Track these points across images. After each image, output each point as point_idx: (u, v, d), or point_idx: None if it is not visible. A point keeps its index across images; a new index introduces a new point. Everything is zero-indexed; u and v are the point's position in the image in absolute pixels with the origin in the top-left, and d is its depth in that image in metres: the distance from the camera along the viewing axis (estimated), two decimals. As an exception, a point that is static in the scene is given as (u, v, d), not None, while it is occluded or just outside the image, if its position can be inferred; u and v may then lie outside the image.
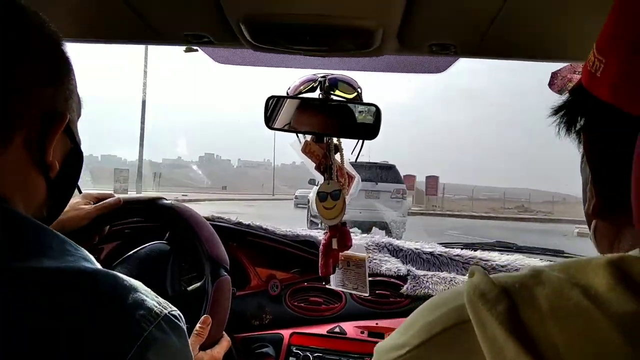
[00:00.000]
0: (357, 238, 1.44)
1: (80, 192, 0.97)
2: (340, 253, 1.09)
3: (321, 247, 1.08)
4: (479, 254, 1.35)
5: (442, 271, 1.30)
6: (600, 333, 0.28)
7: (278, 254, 1.31)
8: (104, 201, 0.98)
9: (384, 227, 10.00)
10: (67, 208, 0.87)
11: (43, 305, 0.43)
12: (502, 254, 1.38)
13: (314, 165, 1.08)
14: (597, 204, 0.40)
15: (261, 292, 1.26)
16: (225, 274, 0.98)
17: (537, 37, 0.74)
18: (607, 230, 0.42)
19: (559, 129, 0.44)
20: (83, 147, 0.60)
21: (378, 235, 1.45)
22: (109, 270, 0.49)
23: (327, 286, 1.18)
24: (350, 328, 1.15)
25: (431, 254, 1.35)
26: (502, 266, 1.30)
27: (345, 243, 1.07)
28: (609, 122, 0.37)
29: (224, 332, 0.98)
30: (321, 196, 1.05)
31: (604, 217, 0.41)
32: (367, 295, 1.12)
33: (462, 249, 1.42)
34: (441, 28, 0.75)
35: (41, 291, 0.44)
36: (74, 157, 0.59)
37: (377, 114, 0.94)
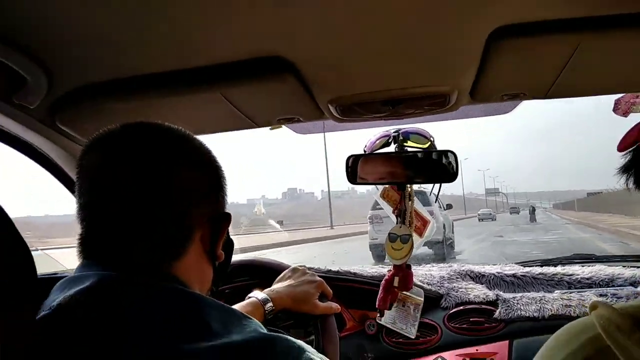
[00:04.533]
0: (436, 268, 1.51)
1: None
2: (399, 292, 1.19)
3: (383, 281, 1.17)
4: (560, 269, 1.39)
5: (528, 291, 1.34)
6: None
7: (369, 295, 1.39)
8: (330, 305, 1.11)
9: (428, 244, 11.08)
10: (302, 288, 1.08)
11: None
12: (582, 266, 1.41)
13: (391, 209, 1.18)
14: None
15: (358, 333, 1.33)
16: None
17: (601, 76, 0.81)
18: None
19: (627, 184, 0.51)
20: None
21: (456, 265, 1.51)
22: (280, 334, 0.58)
23: (378, 321, 1.26)
24: (452, 357, 1.20)
25: (514, 275, 1.39)
26: (587, 279, 1.33)
27: (407, 285, 1.17)
28: None
29: None
30: (391, 237, 1.15)
31: None
32: (412, 337, 1.21)
33: (541, 266, 1.45)
34: (512, 81, 0.82)
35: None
36: (229, 246, 0.72)
37: (455, 158, 1.03)
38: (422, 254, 11.26)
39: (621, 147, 0.53)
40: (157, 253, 0.58)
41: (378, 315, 1.27)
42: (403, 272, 1.16)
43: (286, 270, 1.18)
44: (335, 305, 1.14)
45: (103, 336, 0.50)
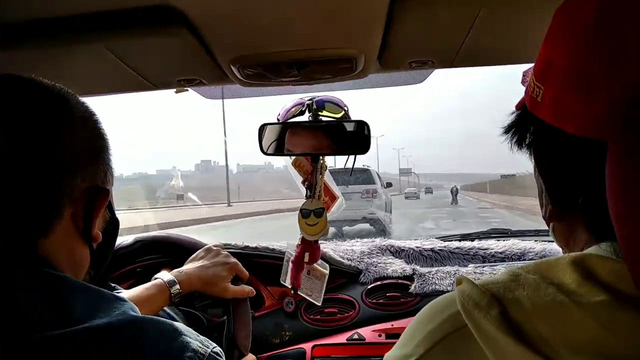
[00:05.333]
0: (359, 243, 1.50)
1: None
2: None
3: (293, 259, 1.14)
4: (476, 243, 1.41)
5: (444, 265, 1.36)
6: (578, 321, 0.34)
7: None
8: (242, 288, 1.08)
9: (370, 222, 11.74)
10: (213, 270, 1.03)
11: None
12: (498, 240, 1.45)
13: (301, 179, 1.14)
14: (553, 210, 0.45)
15: (277, 311, 1.30)
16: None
17: (506, 44, 0.80)
18: (563, 230, 0.47)
19: (510, 144, 0.49)
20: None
21: (379, 239, 1.50)
22: (153, 317, 0.53)
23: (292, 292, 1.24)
24: (368, 333, 1.20)
25: (432, 250, 1.40)
26: (501, 252, 1.37)
27: (315, 258, 1.14)
28: (554, 139, 0.42)
29: (249, 353, 1.02)
30: (304, 213, 1.11)
31: (560, 220, 0.46)
32: (319, 304, 1.19)
33: (459, 240, 1.48)
34: (418, 46, 0.80)
35: (93, 348, 0.47)
36: (112, 226, 0.63)
37: (367, 129, 1.00)
38: (365, 229, 11.72)
39: (517, 107, 0.52)
40: (20, 230, 0.51)
41: (292, 291, 1.24)
42: (312, 246, 1.13)
43: (200, 250, 1.12)
44: (248, 289, 1.10)
45: None
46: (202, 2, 0.67)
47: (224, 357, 0.56)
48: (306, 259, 1.10)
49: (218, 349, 0.55)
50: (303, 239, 1.11)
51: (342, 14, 0.72)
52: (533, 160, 0.48)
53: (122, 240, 1.26)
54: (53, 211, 0.52)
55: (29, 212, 0.51)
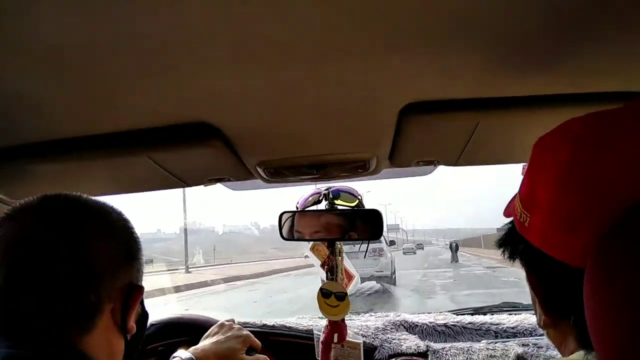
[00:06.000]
0: (373, 318, 1.54)
1: None
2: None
3: (322, 339, 1.18)
4: (488, 318, 1.45)
5: (457, 341, 1.39)
6: None
7: (304, 349, 1.39)
8: (257, 358, 1.12)
9: (378, 279, 12.67)
10: (227, 344, 1.08)
11: None
12: (510, 314, 1.48)
13: (319, 262, 1.21)
14: (546, 319, 0.52)
15: None
16: None
17: (503, 148, 0.90)
18: (556, 335, 0.54)
19: (504, 255, 0.56)
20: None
21: (392, 313, 1.54)
22: None
23: None
24: (384, 412, 1.22)
25: (445, 325, 1.44)
26: (512, 327, 1.40)
27: (343, 337, 1.19)
28: (543, 261, 0.46)
29: None
30: (324, 293, 1.17)
31: (553, 327, 0.53)
32: None
33: (472, 314, 1.51)
34: (424, 150, 0.90)
35: None
36: (143, 319, 0.71)
37: (378, 216, 1.08)
38: (371, 288, 11.91)
39: (505, 214, 0.58)
40: (64, 328, 0.57)
41: None
42: (339, 327, 1.18)
43: (213, 326, 1.18)
44: (262, 357, 1.14)
45: None
46: (235, 119, 0.77)
47: None
48: (335, 340, 1.15)
49: None
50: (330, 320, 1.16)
51: (356, 126, 0.82)
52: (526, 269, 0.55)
53: None
54: (95, 309, 0.59)
55: (73, 311, 0.58)
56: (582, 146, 0.40)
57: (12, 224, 0.59)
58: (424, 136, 0.84)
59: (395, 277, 13.90)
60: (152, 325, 1.30)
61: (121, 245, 0.64)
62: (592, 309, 0.39)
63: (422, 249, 64.68)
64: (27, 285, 0.56)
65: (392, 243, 15.58)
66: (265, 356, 1.15)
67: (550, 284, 0.50)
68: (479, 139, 0.83)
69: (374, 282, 12.42)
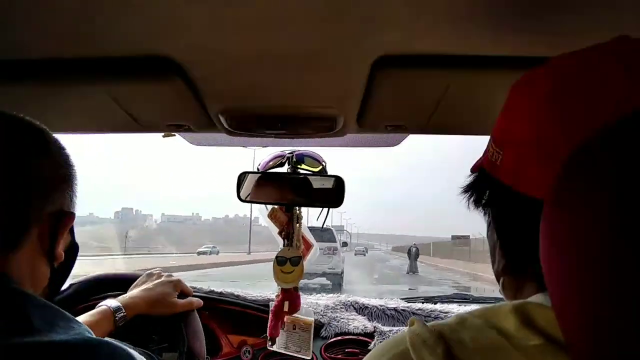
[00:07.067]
0: (325, 298, 1.51)
1: None
2: (287, 316, 1.17)
3: (272, 308, 1.15)
4: (438, 306, 1.45)
5: (405, 325, 1.37)
6: None
7: (250, 320, 1.34)
8: (190, 300, 1.09)
9: (328, 276, 13.47)
10: (158, 290, 1.04)
11: None
12: (460, 305, 1.48)
13: (277, 230, 1.17)
14: (505, 265, 0.50)
15: (233, 359, 1.28)
16: None
17: (474, 117, 0.88)
18: (512, 284, 0.52)
19: (468, 204, 0.54)
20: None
21: (344, 295, 1.52)
22: (109, 340, 0.57)
23: (270, 348, 1.22)
24: (324, 388, 1.19)
25: (395, 309, 1.43)
26: (461, 317, 1.40)
27: (295, 307, 1.15)
28: (511, 200, 0.46)
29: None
30: (280, 260, 1.13)
31: (510, 274, 0.51)
32: (309, 358, 1.18)
33: (423, 302, 1.51)
34: (394, 112, 0.88)
35: None
36: (73, 249, 0.68)
37: (341, 184, 1.05)
38: (319, 283, 12.29)
39: (472, 169, 0.57)
40: None
41: (269, 343, 1.23)
42: (292, 295, 1.14)
43: (141, 276, 1.14)
44: (196, 300, 1.11)
45: None
46: (198, 57, 0.73)
47: None
48: (285, 308, 1.11)
49: None
50: (283, 288, 1.12)
51: (326, 78, 0.79)
52: (488, 219, 0.53)
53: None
54: (21, 229, 0.56)
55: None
56: (565, 73, 0.41)
57: None
58: (394, 95, 0.82)
59: (343, 275, 14.79)
60: (78, 282, 1.23)
61: (56, 168, 0.61)
62: (547, 251, 0.38)
63: (365, 254, 55.79)
64: None
65: (344, 244, 16.72)
66: (199, 299, 1.11)
67: (514, 225, 0.48)
68: (450, 102, 0.82)
69: (325, 278, 13.09)
